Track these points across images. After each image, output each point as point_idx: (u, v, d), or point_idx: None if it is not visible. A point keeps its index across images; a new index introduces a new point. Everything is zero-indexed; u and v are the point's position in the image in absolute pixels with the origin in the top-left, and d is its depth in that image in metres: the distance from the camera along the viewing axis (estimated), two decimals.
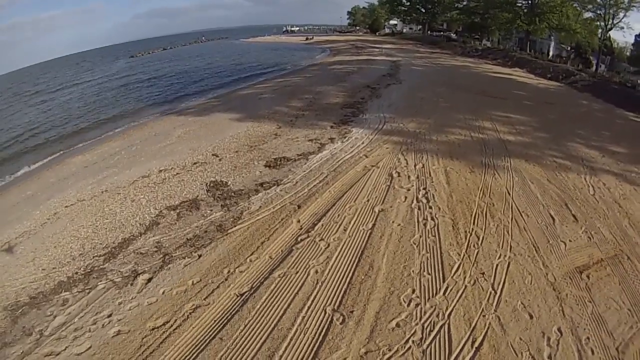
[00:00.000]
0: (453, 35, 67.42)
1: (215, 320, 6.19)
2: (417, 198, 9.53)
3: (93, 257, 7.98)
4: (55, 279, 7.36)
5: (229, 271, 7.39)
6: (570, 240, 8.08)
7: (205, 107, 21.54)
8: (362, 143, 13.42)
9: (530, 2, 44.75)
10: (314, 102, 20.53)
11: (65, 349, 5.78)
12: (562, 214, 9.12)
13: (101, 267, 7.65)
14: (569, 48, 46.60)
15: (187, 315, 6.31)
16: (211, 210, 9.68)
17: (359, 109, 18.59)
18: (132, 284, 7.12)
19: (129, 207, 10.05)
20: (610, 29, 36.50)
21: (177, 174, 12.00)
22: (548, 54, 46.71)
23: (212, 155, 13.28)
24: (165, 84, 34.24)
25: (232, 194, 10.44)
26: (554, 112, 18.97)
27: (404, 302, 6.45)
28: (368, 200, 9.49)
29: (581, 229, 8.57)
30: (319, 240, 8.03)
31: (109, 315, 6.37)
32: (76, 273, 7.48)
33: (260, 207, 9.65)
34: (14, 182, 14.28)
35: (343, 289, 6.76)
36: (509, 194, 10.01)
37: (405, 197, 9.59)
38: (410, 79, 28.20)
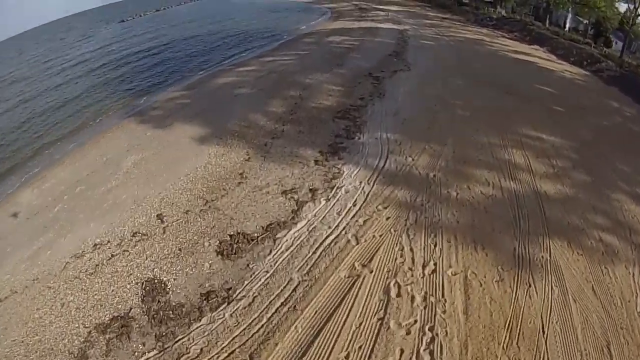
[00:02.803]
0: None
1: None
2: (417, 354, 6.10)
3: None
4: None
5: None
6: None
7: (171, 108, 17.28)
8: (354, 205, 9.57)
9: None
10: (299, 105, 16.27)
11: None
12: None
13: None
14: (586, 22, 40.95)
15: None
16: (144, 345, 6.64)
17: (356, 123, 14.42)
18: None
19: (59, 317, 7.44)
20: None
21: (112, 256, 8.70)
22: (564, 26, 41.22)
23: (157, 218, 9.73)
24: (143, 64, 29.27)
25: (171, 312, 7.17)
26: (588, 126, 15.15)
27: None
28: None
29: None
30: None
31: None
32: None
33: (202, 350, 6.38)
34: None
35: None
36: (544, 332, 6.62)
37: (402, 352, 6.15)
38: (420, 61, 23.37)
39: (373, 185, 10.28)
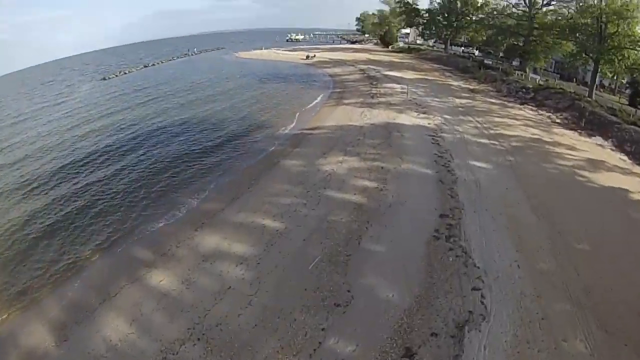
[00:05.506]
0: (477, 53, 51.82)
1: None
2: None
3: None
4: None
5: None
6: None
7: None
8: None
9: (600, 30, 27.78)
10: None
11: None
12: None
13: None
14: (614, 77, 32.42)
15: None
16: None
17: None
18: None
19: None
20: None
21: None
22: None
23: None
24: (51, 222, 16.74)
25: None
26: None
27: None
28: None
29: None
30: None
31: None
32: None
33: None
34: None
35: None
36: None
37: None
38: (493, 262, 11.01)
39: None
